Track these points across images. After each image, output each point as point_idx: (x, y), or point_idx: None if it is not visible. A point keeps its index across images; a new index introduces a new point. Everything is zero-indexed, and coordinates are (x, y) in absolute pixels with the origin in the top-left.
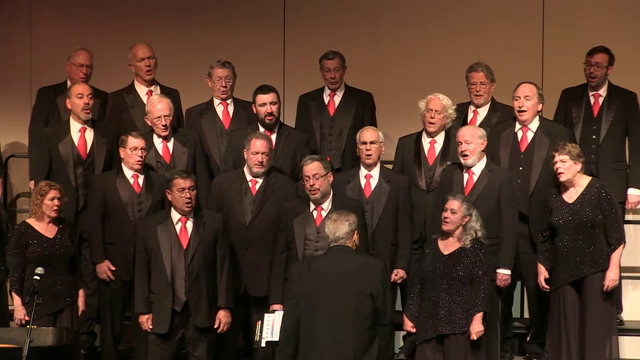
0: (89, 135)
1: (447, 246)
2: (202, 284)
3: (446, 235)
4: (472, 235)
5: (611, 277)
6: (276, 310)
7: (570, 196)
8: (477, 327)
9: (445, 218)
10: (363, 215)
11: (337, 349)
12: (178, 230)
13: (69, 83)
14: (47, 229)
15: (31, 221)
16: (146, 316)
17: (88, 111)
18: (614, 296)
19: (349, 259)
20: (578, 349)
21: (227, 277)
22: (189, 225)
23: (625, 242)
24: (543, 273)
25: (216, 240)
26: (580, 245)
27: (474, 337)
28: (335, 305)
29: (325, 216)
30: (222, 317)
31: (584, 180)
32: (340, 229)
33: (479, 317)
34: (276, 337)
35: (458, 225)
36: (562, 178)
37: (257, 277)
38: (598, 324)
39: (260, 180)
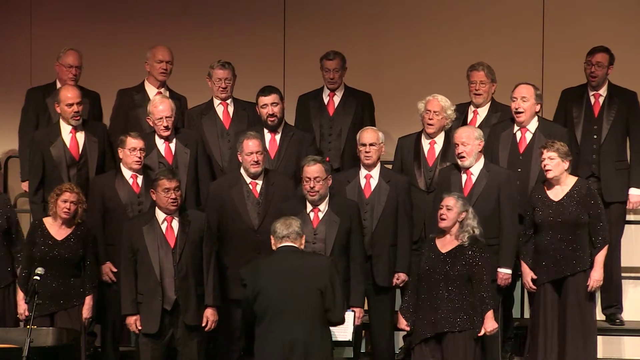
0: (80, 136)
1: (445, 244)
2: (190, 283)
3: (443, 233)
4: (469, 233)
5: (596, 278)
6: None
7: (556, 194)
8: (491, 324)
9: (442, 215)
10: (359, 217)
11: (288, 345)
12: (164, 230)
13: (58, 83)
14: (58, 231)
15: (47, 220)
16: (134, 317)
17: (78, 118)
18: (595, 297)
19: (298, 256)
20: (557, 349)
21: (213, 275)
22: (175, 224)
23: (610, 243)
24: (530, 273)
25: (202, 239)
26: (563, 245)
27: (489, 334)
28: (288, 303)
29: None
30: (210, 315)
31: (570, 180)
32: (292, 226)
33: (490, 314)
34: None
35: (454, 222)
36: (549, 175)
37: None
38: (578, 324)
39: (260, 182)
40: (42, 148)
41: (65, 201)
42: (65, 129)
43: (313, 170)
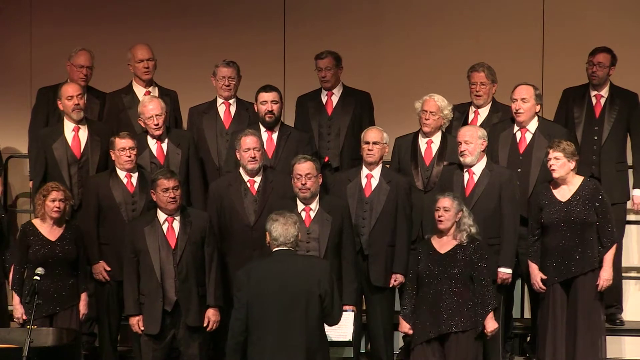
0: (83, 134)
1: (443, 245)
2: (191, 283)
3: (441, 234)
4: (467, 232)
5: (605, 277)
6: None
7: (563, 194)
8: (492, 325)
9: (440, 217)
10: (349, 216)
11: (288, 351)
12: (165, 231)
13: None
14: (50, 231)
15: (36, 221)
16: (137, 318)
17: (79, 111)
18: (604, 296)
19: (295, 261)
20: (566, 349)
21: (215, 275)
22: (176, 224)
23: (617, 243)
24: (539, 274)
25: (204, 239)
26: (571, 245)
27: (490, 334)
28: (285, 308)
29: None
30: (211, 316)
31: (577, 180)
32: (290, 231)
33: (491, 315)
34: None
35: (452, 222)
36: (555, 175)
37: None
38: (587, 324)
39: (258, 179)
40: (44, 146)
41: (54, 200)
42: (68, 127)
43: (304, 167)
